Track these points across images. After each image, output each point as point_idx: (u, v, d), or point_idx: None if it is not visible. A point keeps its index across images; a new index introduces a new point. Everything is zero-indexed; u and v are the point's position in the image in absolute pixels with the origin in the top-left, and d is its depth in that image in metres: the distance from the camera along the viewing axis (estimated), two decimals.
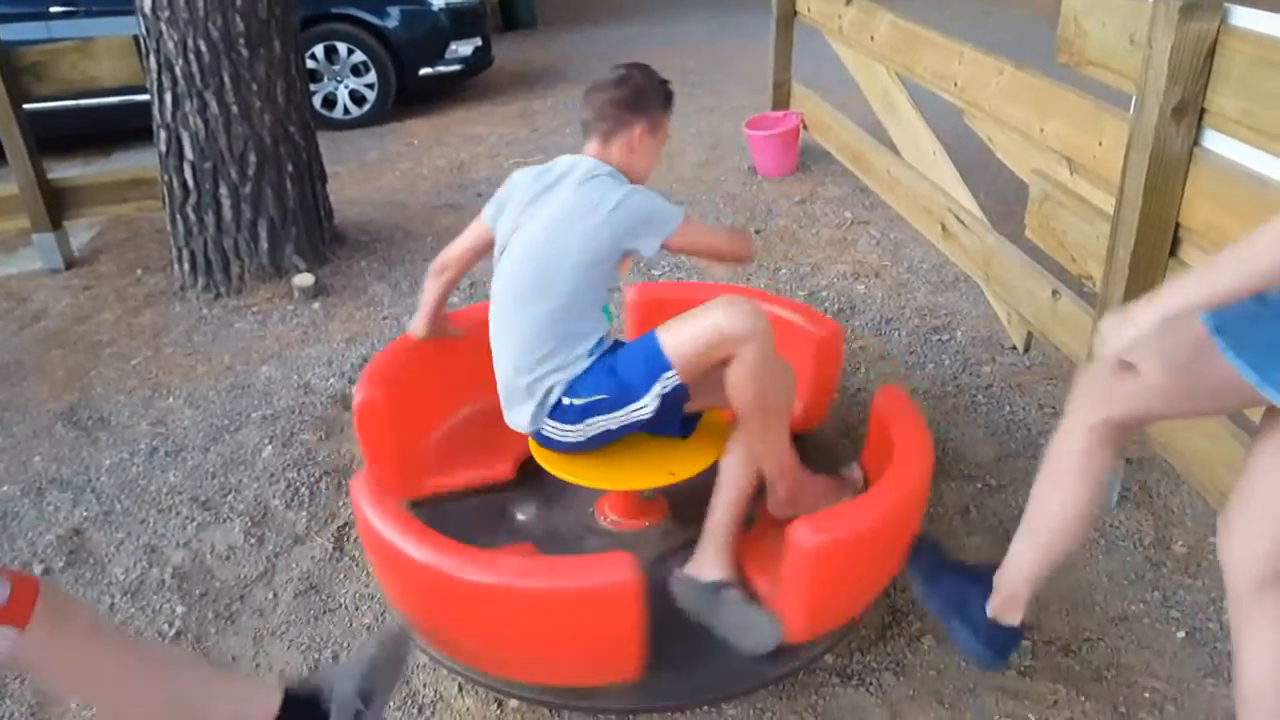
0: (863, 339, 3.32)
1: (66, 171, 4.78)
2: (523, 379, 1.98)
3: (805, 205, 4.49)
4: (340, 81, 6.11)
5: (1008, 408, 2.90)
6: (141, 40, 3.67)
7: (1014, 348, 3.19)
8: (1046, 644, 2.07)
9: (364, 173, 5.32)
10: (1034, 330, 2.93)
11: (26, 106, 3.95)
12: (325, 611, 2.24)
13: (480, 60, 6.69)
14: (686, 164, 5.17)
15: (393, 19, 6.11)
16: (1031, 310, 2.86)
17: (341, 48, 6.01)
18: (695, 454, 2.10)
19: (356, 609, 2.24)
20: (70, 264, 4.24)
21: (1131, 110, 2.18)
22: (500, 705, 1.96)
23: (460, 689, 2.01)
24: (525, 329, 1.97)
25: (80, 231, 4.52)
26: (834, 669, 2.02)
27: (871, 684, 1.99)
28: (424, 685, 2.03)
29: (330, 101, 6.11)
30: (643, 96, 2.04)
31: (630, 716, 1.90)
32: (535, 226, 1.98)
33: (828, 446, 2.59)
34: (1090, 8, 2.36)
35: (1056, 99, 2.59)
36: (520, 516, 2.31)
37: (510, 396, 2.04)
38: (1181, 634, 2.09)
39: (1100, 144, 2.40)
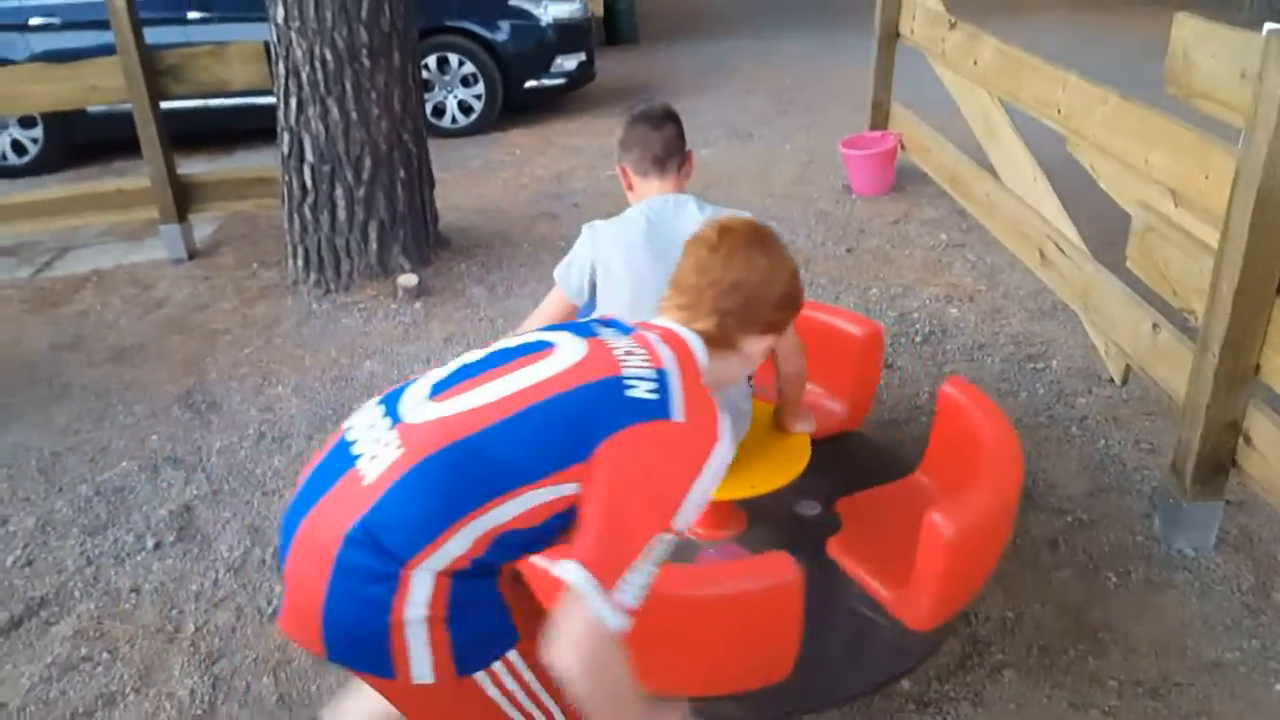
0: (954, 364, 3.29)
1: (191, 168, 5.06)
2: None
3: (899, 226, 4.46)
4: (450, 91, 6.32)
5: (1102, 441, 2.84)
6: (272, 47, 3.89)
7: (1111, 380, 3.11)
8: (1134, 685, 2.03)
9: (468, 180, 5.50)
10: (1132, 363, 2.86)
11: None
12: None
13: (583, 74, 6.83)
14: (781, 180, 5.18)
15: (503, 33, 6.30)
16: (1131, 343, 2.79)
17: (453, 59, 6.22)
18: (776, 469, 2.14)
19: None
20: (192, 255, 4.50)
21: (1240, 144, 2.13)
22: None
23: None
24: None
25: (203, 225, 4.80)
26: (911, 695, 2.02)
27: (949, 713, 1.98)
28: None
29: (440, 110, 6.32)
30: (681, 125, 2.14)
31: None
32: None
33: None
34: (1200, 39, 2.31)
35: (1162, 130, 2.54)
36: None
37: None
38: None
39: (1206, 177, 2.34)
